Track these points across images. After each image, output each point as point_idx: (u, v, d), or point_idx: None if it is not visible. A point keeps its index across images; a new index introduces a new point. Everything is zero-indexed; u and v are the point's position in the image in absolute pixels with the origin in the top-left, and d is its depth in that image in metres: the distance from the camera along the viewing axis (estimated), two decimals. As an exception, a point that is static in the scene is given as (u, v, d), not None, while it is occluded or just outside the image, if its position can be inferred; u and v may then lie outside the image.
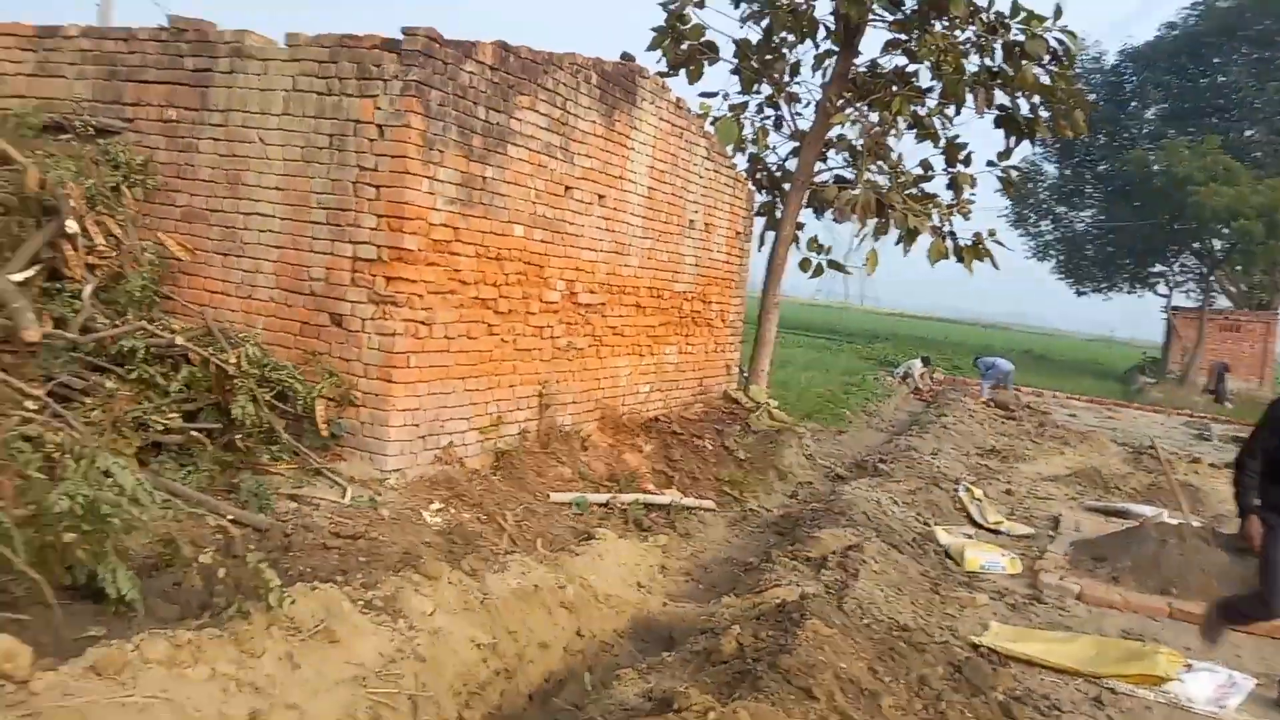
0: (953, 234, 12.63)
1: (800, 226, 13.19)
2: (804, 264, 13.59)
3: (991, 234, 12.83)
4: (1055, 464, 12.33)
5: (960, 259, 12.63)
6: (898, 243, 12.31)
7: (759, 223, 12.89)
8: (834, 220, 12.47)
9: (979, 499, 8.92)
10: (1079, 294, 39.27)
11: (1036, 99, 11.82)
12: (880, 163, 12.63)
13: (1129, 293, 38.12)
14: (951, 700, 3.85)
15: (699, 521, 7.33)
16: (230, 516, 4.94)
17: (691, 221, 10.12)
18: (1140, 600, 6.30)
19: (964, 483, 9.60)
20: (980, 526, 8.23)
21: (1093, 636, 5.53)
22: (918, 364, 21.86)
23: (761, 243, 12.99)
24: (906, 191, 12.47)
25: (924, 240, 12.24)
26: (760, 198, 13.16)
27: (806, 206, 12.96)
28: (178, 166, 6.59)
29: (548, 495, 6.59)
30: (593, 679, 4.35)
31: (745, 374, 12.39)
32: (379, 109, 5.92)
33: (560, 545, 5.81)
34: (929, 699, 3.82)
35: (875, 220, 12.07)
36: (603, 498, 6.94)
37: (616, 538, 6.21)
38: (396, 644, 3.76)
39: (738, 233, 11.52)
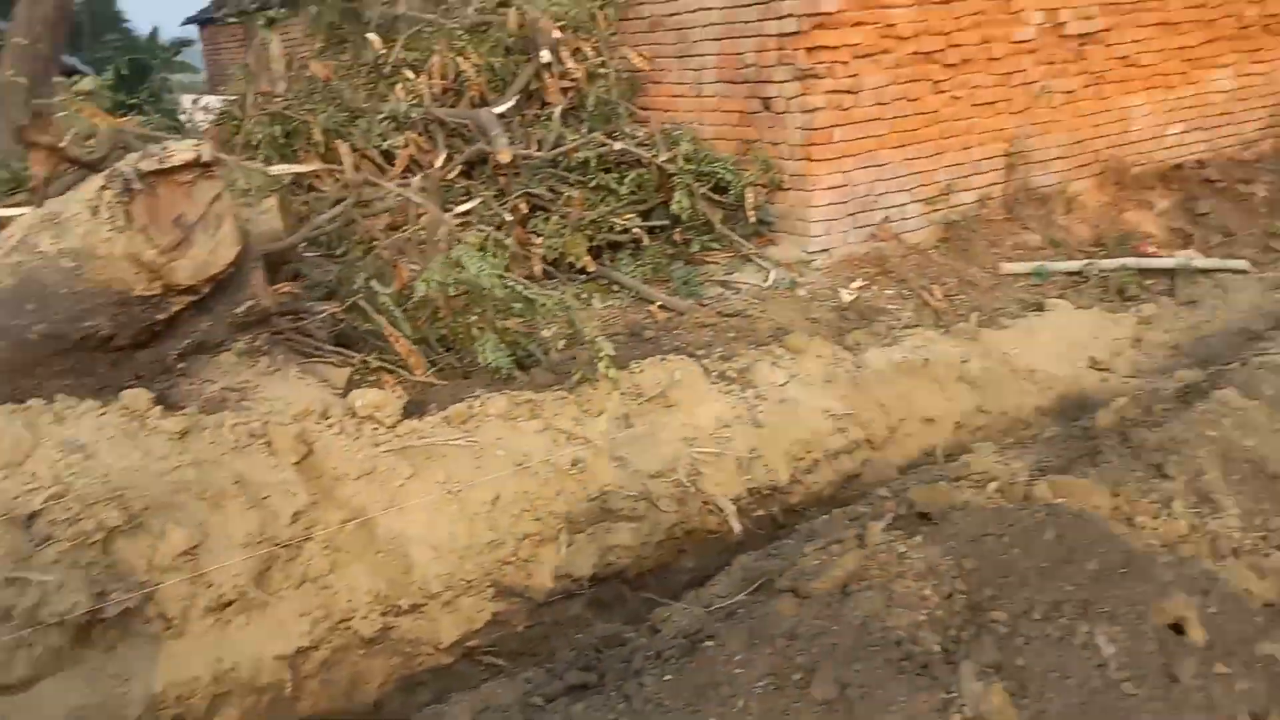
0: None
1: None
2: None
3: None
4: None
5: None
6: None
7: None
8: None
9: None
10: None
11: None
12: None
13: None
14: None
15: (1215, 286, 5.91)
16: (658, 302, 5.48)
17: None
18: None
19: None
20: None
21: None
22: None
23: None
24: None
25: None
26: None
27: None
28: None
29: (997, 266, 5.92)
30: (944, 452, 4.02)
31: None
32: None
33: (994, 319, 5.26)
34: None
35: None
36: (1074, 265, 5.99)
37: (1073, 309, 5.38)
38: (737, 411, 3.92)
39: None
